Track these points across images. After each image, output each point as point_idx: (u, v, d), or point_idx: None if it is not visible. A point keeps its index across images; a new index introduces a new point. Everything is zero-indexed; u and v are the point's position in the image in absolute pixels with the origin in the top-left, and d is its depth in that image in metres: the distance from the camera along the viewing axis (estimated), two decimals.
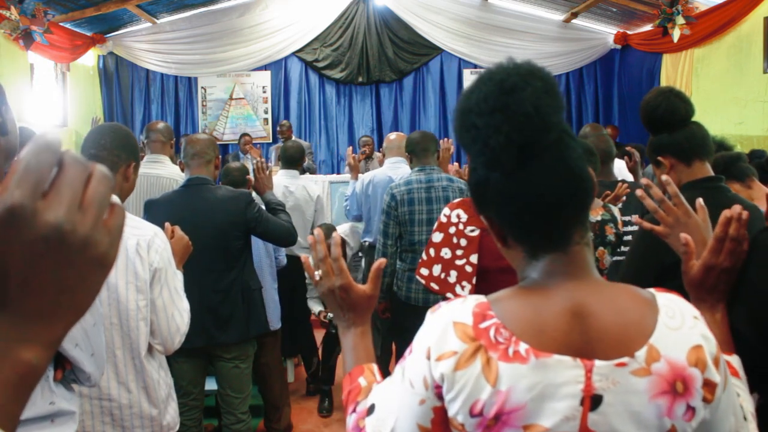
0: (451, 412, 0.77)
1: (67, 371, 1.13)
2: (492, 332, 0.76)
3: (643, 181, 1.17)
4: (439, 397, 0.78)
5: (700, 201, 1.11)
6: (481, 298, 0.80)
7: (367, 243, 3.86)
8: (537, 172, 0.77)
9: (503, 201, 0.80)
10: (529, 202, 0.78)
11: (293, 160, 3.85)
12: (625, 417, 0.74)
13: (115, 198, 0.44)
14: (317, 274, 1.05)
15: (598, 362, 0.74)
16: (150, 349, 1.78)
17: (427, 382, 0.78)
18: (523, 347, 0.75)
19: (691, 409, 0.74)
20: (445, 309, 0.81)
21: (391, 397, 0.84)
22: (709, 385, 0.75)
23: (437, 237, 2.07)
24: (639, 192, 1.16)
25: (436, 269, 2.07)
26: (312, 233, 1.15)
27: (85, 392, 1.71)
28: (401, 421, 0.81)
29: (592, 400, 0.73)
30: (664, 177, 1.17)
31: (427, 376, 0.78)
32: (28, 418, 1.00)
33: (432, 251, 2.07)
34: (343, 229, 4.10)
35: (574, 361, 0.74)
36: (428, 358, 0.78)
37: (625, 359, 0.74)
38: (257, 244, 3.10)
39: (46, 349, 0.44)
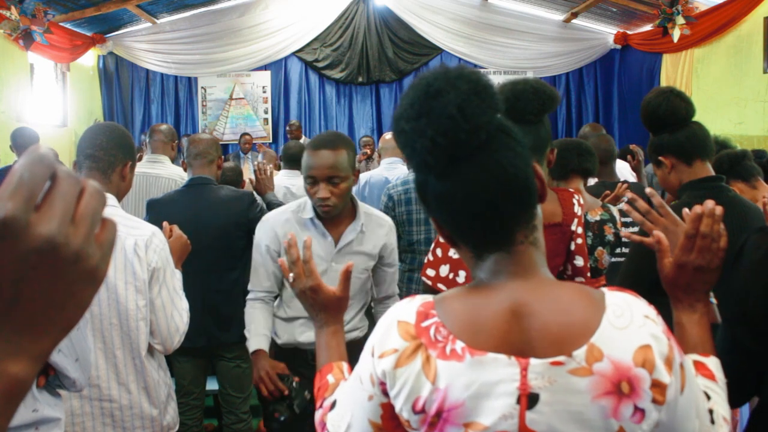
0: (396, 408, 0.79)
1: (51, 377, 1.12)
2: (432, 331, 0.77)
3: (648, 191, 1.16)
4: (385, 393, 0.80)
5: (686, 210, 1.09)
6: (427, 298, 0.82)
7: None
8: (467, 172, 0.78)
9: (441, 203, 0.81)
10: (462, 203, 0.79)
11: (294, 159, 3.82)
12: (565, 417, 0.73)
13: (108, 212, 0.44)
14: (291, 276, 1.10)
15: (533, 360, 0.74)
16: (149, 349, 1.78)
17: (373, 379, 0.80)
18: (459, 345, 0.75)
19: (639, 411, 0.73)
20: (393, 308, 0.83)
21: (348, 393, 0.88)
22: (658, 386, 0.73)
23: None
24: (624, 206, 1.15)
25: (444, 269, 2.04)
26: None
27: (85, 394, 1.71)
28: (355, 418, 0.84)
29: (529, 399, 0.73)
30: (648, 190, 1.16)
31: (372, 373, 0.80)
32: (11, 426, 0.99)
33: (439, 251, 2.05)
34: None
35: (509, 359, 0.74)
36: (372, 355, 0.80)
37: (561, 358, 0.73)
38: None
39: (33, 363, 0.43)
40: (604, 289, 0.80)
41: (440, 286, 2.09)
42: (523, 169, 0.79)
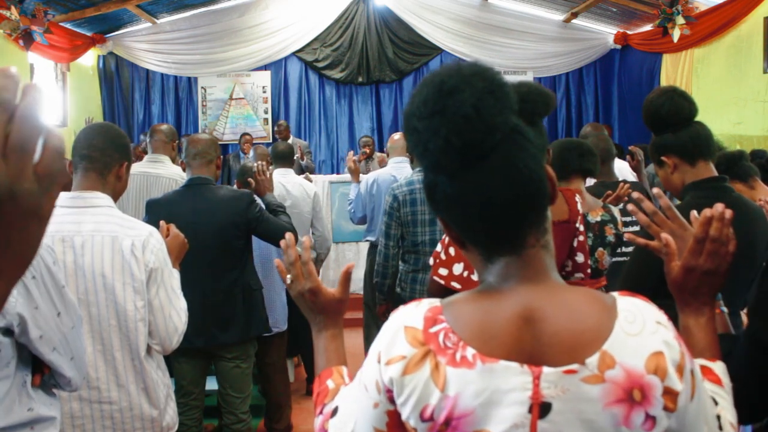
0: (403, 416, 0.77)
1: (46, 376, 1.11)
2: (441, 337, 0.75)
3: (655, 191, 1.14)
4: (391, 400, 0.77)
5: (694, 213, 1.07)
6: (435, 302, 0.80)
7: (369, 242, 3.86)
8: (481, 174, 0.75)
9: (451, 204, 0.79)
10: (475, 205, 0.76)
11: (285, 157, 3.86)
12: (577, 425, 0.72)
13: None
14: (288, 277, 1.07)
15: (546, 369, 0.72)
16: (148, 349, 1.77)
17: (379, 386, 0.78)
18: (470, 352, 0.73)
19: (650, 418, 0.72)
20: (399, 312, 0.80)
21: (351, 400, 0.85)
22: (670, 394, 0.72)
23: None
24: (630, 207, 1.13)
25: (457, 268, 2.03)
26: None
27: (85, 396, 1.71)
28: (359, 425, 0.82)
29: (541, 408, 0.72)
30: (655, 190, 1.13)
31: (378, 380, 0.78)
32: (6, 426, 0.98)
33: (452, 250, 2.03)
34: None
35: (521, 367, 0.72)
36: (379, 361, 0.78)
37: (574, 366, 0.72)
38: (269, 244, 3.08)
39: None
40: (616, 294, 0.79)
41: (454, 284, 2.08)
42: (537, 170, 0.77)
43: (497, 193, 0.75)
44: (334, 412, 0.89)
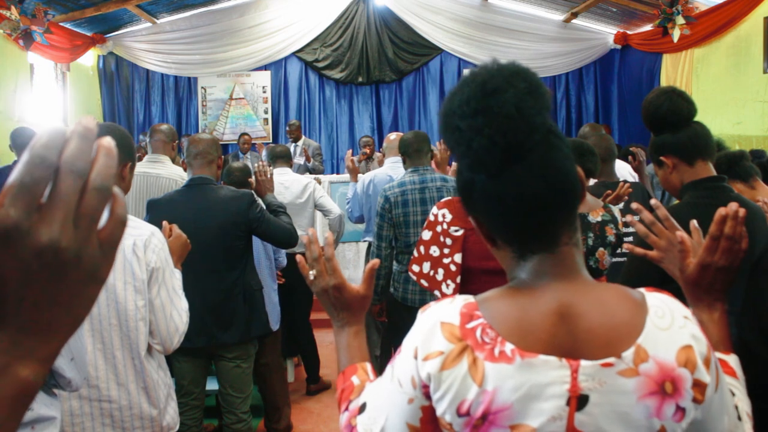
0: (438, 411, 0.78)
1: (47, 376, 1.11)
2: (478, 332, 0.76)
3: (653, 202, 1.15)
4: (427, 396, 0.78)
5: (693, 223, 1.09)
6: (469, 299, 0.81)
7: (368, 242, 3.86)
8: (522, 173, 0.77)
9: (489, 203, 0.80)
10: (514, 203, 0.78)
11: (282, 156, 3.92)
12: (612, 417, 0.74)
13: (116, 206, 0.44)
14: (311, 273, 1.07)
15: (583, 362, 0.74)
16: (149, 349, 1.78)
17: (415, 382, 0.79)
18: (509, 347, 0.75)
19: (680, 410, 0.74)
20: (433, 309, 0.81)
21: (382, 396, 0.86)
22: (699, 386, 0.75)
23: (426, 235, 2.10)
24: (628, 217, 1.14)
25: (426, 266, 2.10)
26: (313, 226, 1.16)
27: (84, 394, 1.71)
28: (391, 420, 0.82)
29: (579, 401, 0.74)
30: (653, 201, 1.15)
31: (414, 375, 0.79)
32: None
33: (422, 249, 2.11)
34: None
35: (559, 361, 0.74)
36: (415, 357, 0.79)
37: (611, 359, 0.74)
38: (257, 245, 3.09)
39: (42, 365, 0.44)
40: (643, 290, 0.81)
41: (422, 282, 2.13)
42: (571, 170, 0.80)
43: (535, 191, 0.77)
44: (362, 408, 0.89)
